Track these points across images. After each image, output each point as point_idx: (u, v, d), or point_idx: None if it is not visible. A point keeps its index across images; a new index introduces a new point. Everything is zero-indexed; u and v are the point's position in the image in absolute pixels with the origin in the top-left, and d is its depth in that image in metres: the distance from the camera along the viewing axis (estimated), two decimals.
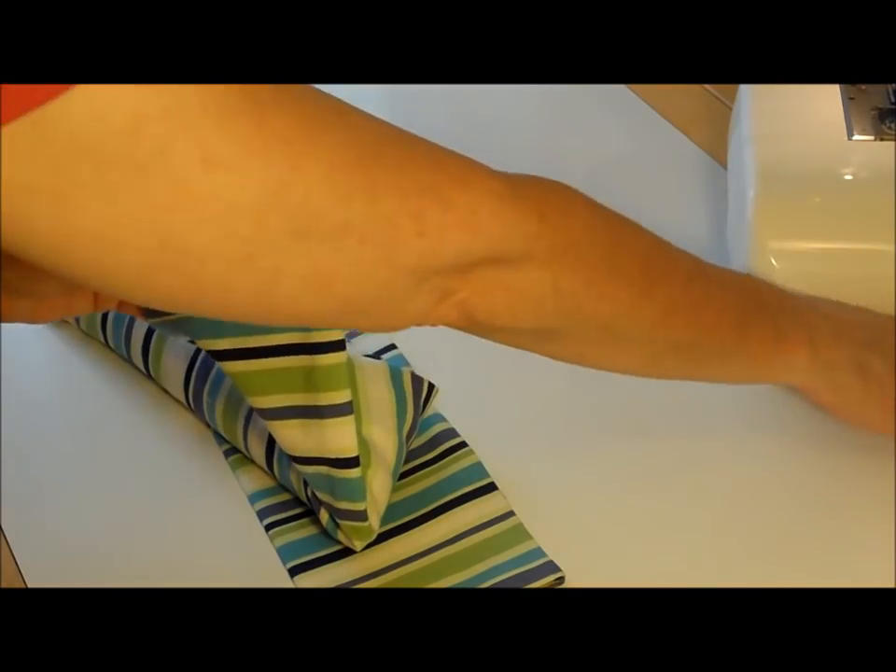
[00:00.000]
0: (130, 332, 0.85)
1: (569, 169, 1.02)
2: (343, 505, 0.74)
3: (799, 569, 0.74)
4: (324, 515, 0.75)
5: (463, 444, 0.81)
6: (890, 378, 0.75)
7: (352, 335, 0.86)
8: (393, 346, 0.87)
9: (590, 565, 0.74)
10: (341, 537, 0.75)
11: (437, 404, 0.83)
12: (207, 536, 0.78)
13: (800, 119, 0.86)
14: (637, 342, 0.68)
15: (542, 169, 1.07)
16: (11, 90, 0.45)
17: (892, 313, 0.78)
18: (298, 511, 0.78)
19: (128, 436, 0.84)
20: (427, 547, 0.76)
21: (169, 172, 0.49)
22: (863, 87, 0.87)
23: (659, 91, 1.07)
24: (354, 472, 0.73)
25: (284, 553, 0.76)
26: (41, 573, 0.76)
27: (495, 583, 0.73)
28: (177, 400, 0.84)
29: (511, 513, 0.77)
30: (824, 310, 0.76)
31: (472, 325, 0.62)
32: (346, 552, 0.76)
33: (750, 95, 0.89)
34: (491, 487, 0.78)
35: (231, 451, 0.82)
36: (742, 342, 0.71)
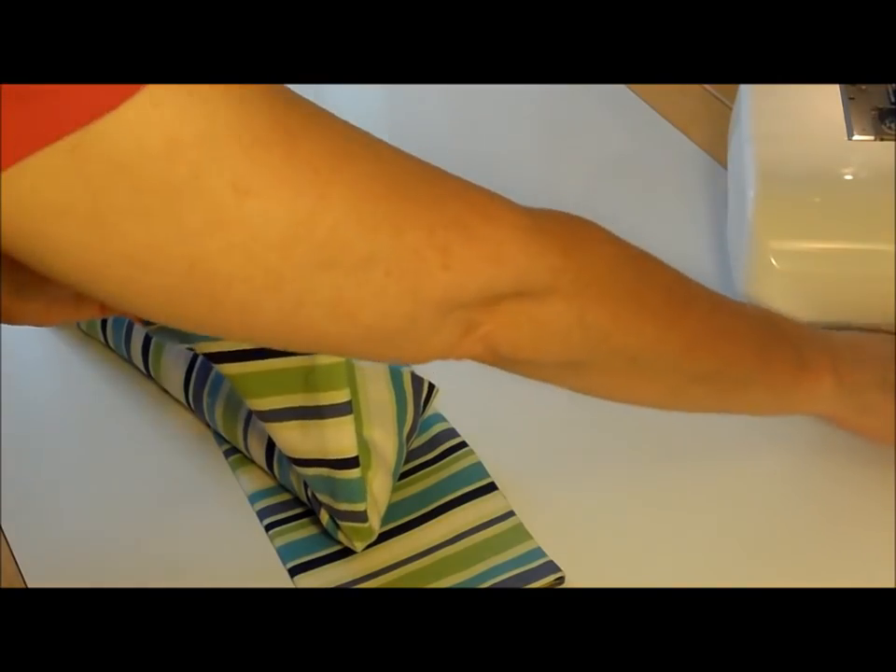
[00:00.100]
0: (130, 333, 0.85)
1: (569, 169, 1.03)
2: (344, 506, 0.74)
3: (799, 569, 0.74)
4: (324, 516, 0.75)
5: (463, 444, 0.81)
6: None
7: None
8: None
9: (590, 565, 0.74)
10: (341, 537, 0.75)
11: (437, 404, 0.83)
12: (207, 536, 0.78)
13: (800, 119, 0.86)
14: (662, 373, 0.68)
15: (542, 168, 1.08)
16: (50, 112, 0.46)
17: (892, 313, 0.78)
18: (298, 511, 0.78)
19: (128, 436, 0.84)
20: (426, 547, 0.76)
21: (201, 196, 0.49)
22: (863, 87, 0.87)
23: (659, 90, 1.07)
24: (353, 473, 0.73)
25: (284, 553, 0.76)
26: (41, 573, 0.76)
27: (495, 583, 0.73)
28: (177, 400, 0.84)
29: (511, 513, 0.77)
30: (841, 338, 0.76)
31: (497, 359, 0.62)
32: (346, 552, 0.76)
33: (750, 95, 0.89)
34: (491, 487, 0.78)
35: (231, 451, 0.82)
36: (766, 370, 0.71)
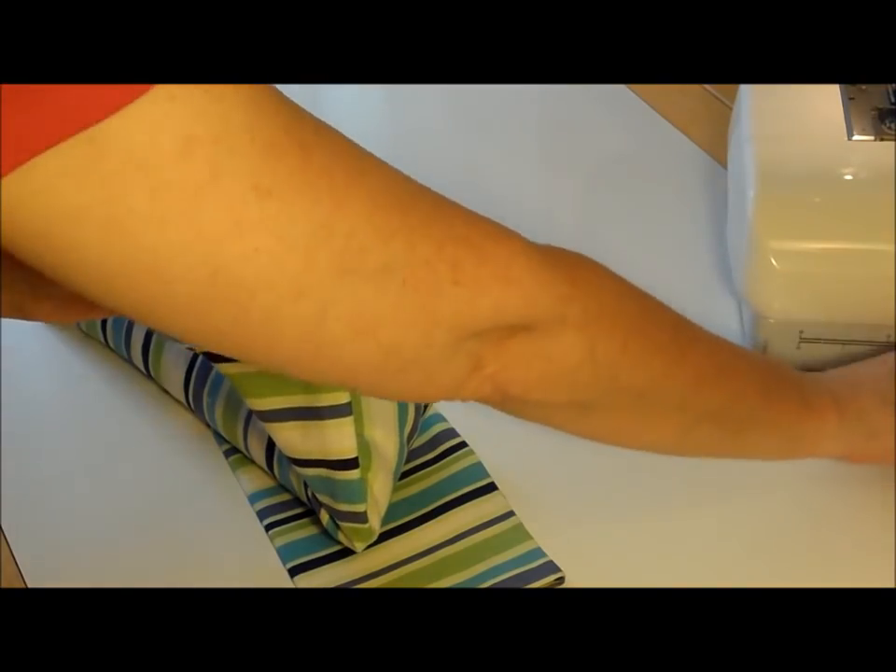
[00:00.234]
0: (130, 333, 0.85)
1: (569, 169, 1.03)
2: (344, 507, 0.74)
3: (799, 569, 0.74)
4: (324, 516, 0.75)
5: (463, 444, 0.81)
6: None
7: None
8: None
9: (590, 565, 0.74)
10: (341, 538, 0.75)
11: (437, 404, 0.83)
12: (207, 536, 0.78)
13: (800, 119, 0.86)
14: (669, 410, 0.67)
15: (542, 168, 1.08)
16: (65, 109, 0.45)
17: (892, 313, 0.78)
18: (298, 511, 0.78)
19: (128, 436, 0.84)
20: (427, 547, 0.76)
21: (222, 197, 0.48)
22: (863, 87, 0.87)
23: (659, 90, 1.07)
24: (354, 474, 0.73)
25: (284, 553, 0.76)
26: (41, 573, 0.76)
27: (495, 583, 0.73)
28: (177, 400, 0.84)
29: (511, 513, 0.77)
30: (835, 374, 0.77)
31: (506, 399, 0.62)
32: (346, 552, 0.76)
33: (750, 95, 0.89)
34: (491, 487, 0.79)
35: (231, 451, 0.82)
36: (771, 409, 0.71)
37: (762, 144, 0.85)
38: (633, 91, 1.08)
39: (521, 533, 0.76)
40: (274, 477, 0.79)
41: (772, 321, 0.82)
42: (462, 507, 0.78)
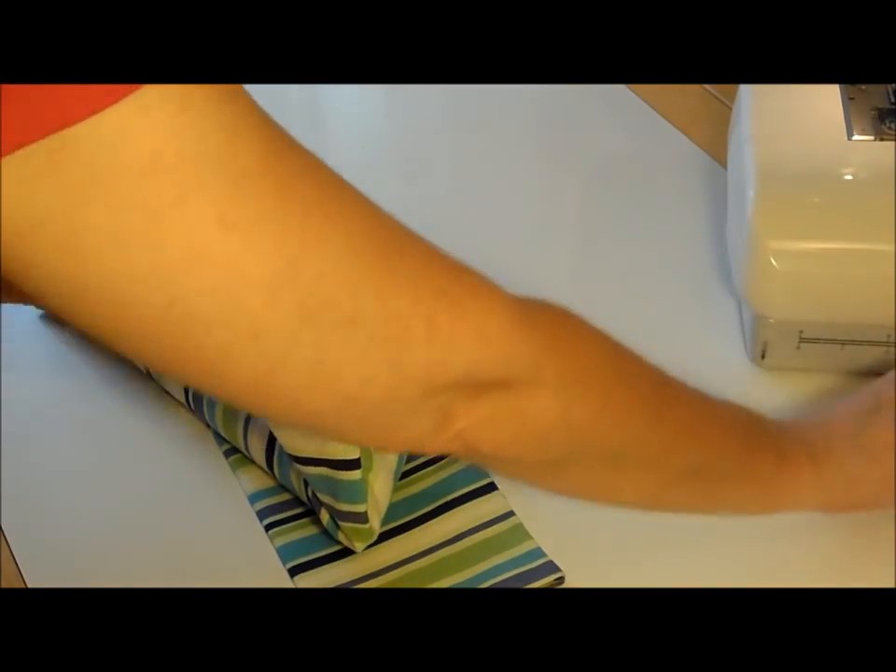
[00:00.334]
0: None
1: (569, 169, 1.03)
2: (344, 507, 0.74)
3: (799, 569, 0.74)
4: (324, 515, 0.75)
5: None
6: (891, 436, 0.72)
7: None
8: None
9: (590, 565, 0.74)
10: (341, 537, 0.75)
11: None
12: (207, 536, 0.78)
13: (800, 119, 0.86)
14: (647, 468, 0.65)
15: (542, 168, 1.08)
16: (30, 112, 0.43)
17: (892, 313, 0.78)
18: (298, 510, 0.78)
19: (128, 436, 0.84)
20: (427, 547, 0.76)
21: (184, 227, 0.46)
22: (863, 87, 0.87)
23: (659, 90, 1.07)
24: (355, 474, 0.73)
25: (284, 553, 0.76)
26: (41, 573, 0.76)
27: (495, 583, 0.73)
28: (177, 400, 0.84)
29: (511, 513, 0.77)
30: (809, 423, 0.74)
31: (476, 455, 0.60)
32: (346, 552, 0.76)
33: (750, 95, 0.89)
34: (491, 487, 0.78)
35: (231, 451, 0.82)
36: (750, 462, 0.69)
37: (762, 144, 0.85)
38: (633, 90, 1.08)
39: (521, 533, 0.76)
40: (274, 477, 0.79)
41: (772, 321, 0.82)
42: (462, 507, 0.78)
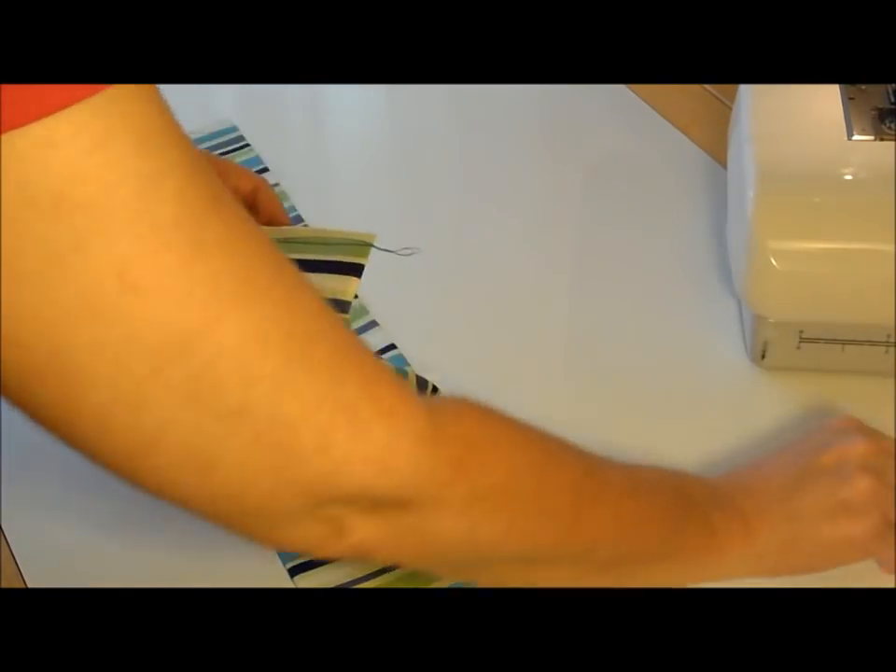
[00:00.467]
0: None
1: (569, 169, 1.03)
2: None
3: None
4: None
5: None
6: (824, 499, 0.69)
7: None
8: (393, 346, 0.87)
9: None
10: None
11: (441, 394, 0.82)
12: (207, 536, 0.78)
13: (800, 119, 0.86)
14: (564, 567, 0.64)
15: (542, 168, 1.07)
16: None
17: (892, 313, 0.78)
18: None
19: None
20: None
21: (80, 275, 0.43)
22: (863, 87, 0.87)
23: (659, 90, 1.07)
24: None
25: (284, 552, 0.76)
26: (41, 573, 0.76)
27: None
28: None
29: None
30: (740, 487, 0.70)
31: (379, 562, 0.58)
32: None
33: (750, 95, 0.89)
34: None
35: None
36: (676, 540, 0.67)
37: (762, 144, 0.85)
38: (633, 90, 1.08)
39: None
40: None
41: (772, 321, 0.82)
42: None
